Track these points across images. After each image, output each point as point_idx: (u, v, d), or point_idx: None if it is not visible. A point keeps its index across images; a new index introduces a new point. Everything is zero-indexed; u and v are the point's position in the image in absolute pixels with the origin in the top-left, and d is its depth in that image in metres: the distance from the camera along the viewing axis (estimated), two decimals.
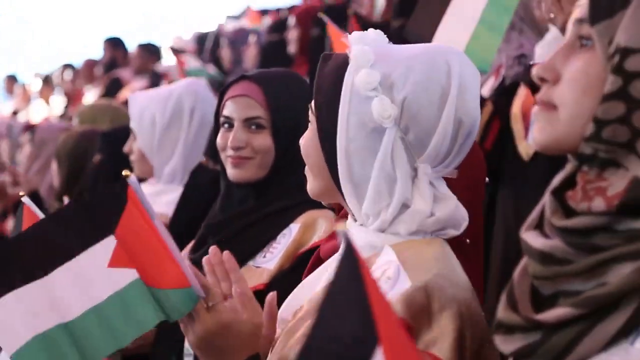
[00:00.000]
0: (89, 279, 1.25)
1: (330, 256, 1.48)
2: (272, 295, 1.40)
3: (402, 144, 1.31)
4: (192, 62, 6.32)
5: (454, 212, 1.32)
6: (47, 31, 15.07)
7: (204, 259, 1.43)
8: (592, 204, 0.94)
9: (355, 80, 1.31)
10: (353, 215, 1.37)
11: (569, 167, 1.00)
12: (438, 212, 1.31)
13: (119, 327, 1.25)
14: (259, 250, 1.94)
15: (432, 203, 1.31)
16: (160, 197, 2.55)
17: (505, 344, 0.97)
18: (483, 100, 2.20)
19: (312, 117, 1.40)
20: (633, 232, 0.91)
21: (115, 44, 8.39)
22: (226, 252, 1.42)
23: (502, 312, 0.99)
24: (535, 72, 1.02)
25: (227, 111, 1.98)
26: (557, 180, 1.00)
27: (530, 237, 0.99)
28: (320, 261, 1.54)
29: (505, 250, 2.13)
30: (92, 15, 14.88)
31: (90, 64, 8.64)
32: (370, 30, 1.38)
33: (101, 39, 8.51)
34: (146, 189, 2.59)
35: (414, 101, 1.30)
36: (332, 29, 2.85)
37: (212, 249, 1.43)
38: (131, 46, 8.18)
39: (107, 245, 1.25)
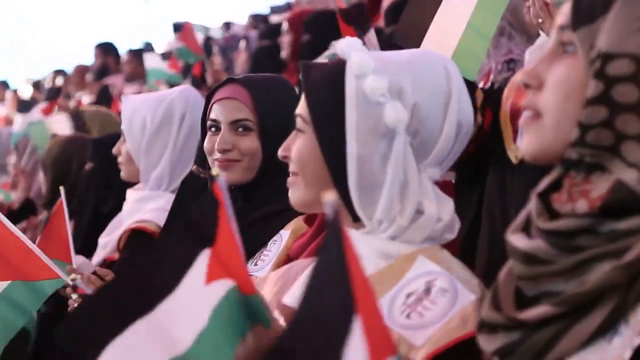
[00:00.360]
0: (191, 303, 1.18)
1: (299, 255, 1.51)
2: (280, 303, 1.39)
3: (411, 148, 1.34)
4: (153, 62, 6.35)
5: (453, 214, 1.35)
6: (47, 31, 15.06)
7: None
8: (575, 205, 0.96)
9: (364, 86, 1.32)
10: (354, 222, 1.37)
11: (555, 172, 1.01)
12: (444, 216, 1.34)
13: (223, 344, 1.18)
14: (249, 258, 1.91)
15: (437, 207, 1.33)
16: (145, 203, 2.55)
17: (488, 343, 0.99)
18: (474, 87, 2.21)
19: (304, 125, 1.40)
20: (615, 232, 0.93)
21: (106, 50, 8.36)
22: None
23: (486, 311, 1.01)
24: (520, 78, 1.04)
25: (213, 114, 1.99)
26: (543, 183, 1.02)
27: (515, 239, 1.01)
28: (289, 261, 1.56)
29: (490, 252, 2.14)
30: (92, 15, 14.88)
31: (81, 70, 8.61)
32: (348, 38, 1.40)
33: (102, 38, 8.47)
34: (132, 195, 2.61)
35: (423, 106, 1.34)
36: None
37: None
38: (133, 46, 8.15)
39: (202, 261, 1.18)
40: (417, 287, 1.29)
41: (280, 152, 1.45)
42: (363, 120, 1.33)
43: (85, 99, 7.75)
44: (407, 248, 1.32)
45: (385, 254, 1.32)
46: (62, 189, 2.38)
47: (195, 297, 1.18)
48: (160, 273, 1.19)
